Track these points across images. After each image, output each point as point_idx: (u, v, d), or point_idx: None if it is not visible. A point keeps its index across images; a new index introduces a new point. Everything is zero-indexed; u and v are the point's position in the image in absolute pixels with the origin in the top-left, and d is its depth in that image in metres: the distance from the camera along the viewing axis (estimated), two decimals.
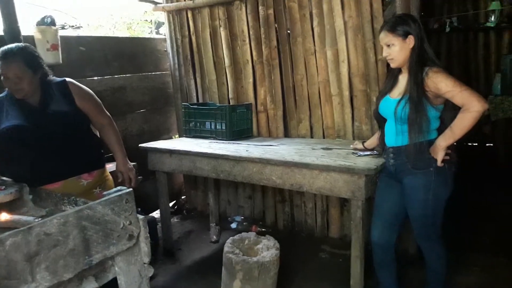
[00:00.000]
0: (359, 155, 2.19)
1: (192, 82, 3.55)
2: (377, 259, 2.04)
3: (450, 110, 1.78)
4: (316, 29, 2.82)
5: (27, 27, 2.68)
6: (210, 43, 3.33)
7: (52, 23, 2.55)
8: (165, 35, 3.69)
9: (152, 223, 3.01)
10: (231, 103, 3.28)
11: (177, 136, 3.80)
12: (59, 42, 2.60)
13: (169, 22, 3.53)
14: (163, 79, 3.75)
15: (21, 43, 1.88)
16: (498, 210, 3.40)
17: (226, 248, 2.23)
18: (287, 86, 3.04)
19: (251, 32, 3.10)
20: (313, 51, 2.87)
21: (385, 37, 1.80)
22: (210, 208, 3.36)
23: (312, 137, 3.00)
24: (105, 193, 1.26)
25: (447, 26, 4.77)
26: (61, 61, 2.62)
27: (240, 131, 2.95)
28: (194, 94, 3.56)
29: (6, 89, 1.85)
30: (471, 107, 1.64)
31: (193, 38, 3.42)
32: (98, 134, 2.16)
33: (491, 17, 4.52)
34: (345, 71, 2.75)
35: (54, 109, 1.85)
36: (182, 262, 2.88)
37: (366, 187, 1.98)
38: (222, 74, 3.34)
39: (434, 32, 4.90)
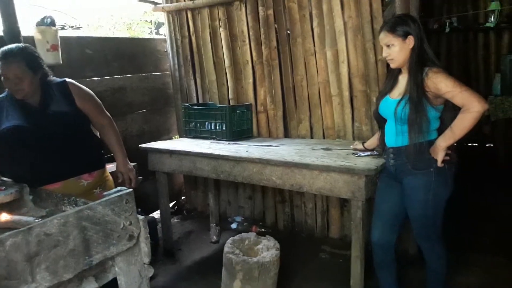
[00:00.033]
0: (359, 156, 2.19)
1: (192, 82, 3.55)
2: (377, 259, 2.04)
3: (450, 110, 1.78)
4: (316, 30, 2.82)
5: (27, 27, 2.68)
6: (210, 44, 3.33)
7: (52, 23, 2.55)
8: (165, 36, 3.70)
9: (152, 223, 3.01)
10: (231, 104, 3.28)
11: (177, 136, 3.80)
12: (59, 42, 2.60)
13: (169, 23, 3.54)
14: (163, 80, 3.76)
15: (21, 44, 1.88)
16: (498, 211, 3.40)
17: (226, 249, 2.23)
18: (287, 86, 3.05)
19: (251, 33, 3.10)
20: (313, 51, 2.87)
21: (385, 38, 1.80)
22: (210, 209, 3.36)
23: (312, 137, 3.00)
24: (105, 193, 1.26)
25: (446, 27, 4.77)
26: (61, 62, 2.62)
27: (240, 131, 2.96)
28: (194, 94, 3.56)
29: (6, 89, 1.85)
30: (471, 108, 1.64)
31: (193, 38, 3.42)
32: (98, 134, 2.16)
33: (491, 17, 4.52)
34: (345, 72, 2.75)
35: (54, 109, 1.85)
36: (182, 262, 2.88)
37: (366, 188, 1.98)
38: (222, 74, 3.34)
39: (433, 32, 4.90)
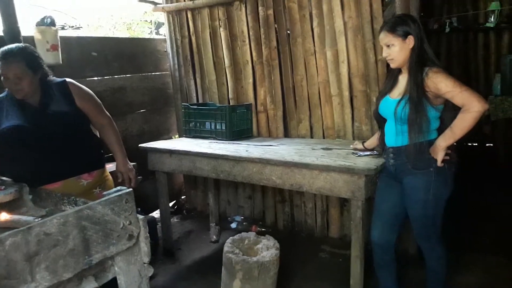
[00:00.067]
0: (359, 155, 2.19)
1: (192, 82, 3.55)
2: (377, 259, 2.04)
3: (450, 110, 1.78)
4: (316, 30, 2.82)
5: (27, 27, 2.68)
6: (210, 44, 3.33)
7: (52, 23, 2.55)
8: (165, 36, 3.70)
9: (152, 223, 3.01)
10: (231, 104, 3.28)
11: (177, 136, 3.80)
12: (59, 42, 2.60)
13: (169, 23, 3.54)
14: (163, 80, 3.76)
15: (21, 44, 1.88)
16: (498, 210, 3.40)
17: (226, 248, 2.23)
18: (287, 86, 3.05)
19: (251, 33, 3.10)
20: (313, 51, 2.87)
21: (385, 38, 1.80)
22: (210, 208, 3.36)
23: (312, 137, 3.00)
24: (105, 193, 1.26)
25: (446, 27, 4.78)
26: (61, 62, 2.62)
27: (240, 131, 2.96)
28: (194, 94, 3.56)
29: (6, 89, 1.85)
30: (471, 107, 1.64)
31: (193, 38, 3.42)
32: (98, 134, 2.16)
33: (491, 17, 4.52)
34: (345, 72, 2.75)
35: (54, 109, 1.85)
36: (182, 262, 2.88)
37: (366, 187, 1.98)
38: (222, 74, 3.34)
39: (433, 32, 4.91)
